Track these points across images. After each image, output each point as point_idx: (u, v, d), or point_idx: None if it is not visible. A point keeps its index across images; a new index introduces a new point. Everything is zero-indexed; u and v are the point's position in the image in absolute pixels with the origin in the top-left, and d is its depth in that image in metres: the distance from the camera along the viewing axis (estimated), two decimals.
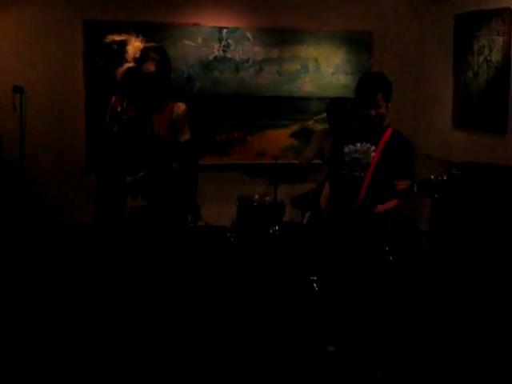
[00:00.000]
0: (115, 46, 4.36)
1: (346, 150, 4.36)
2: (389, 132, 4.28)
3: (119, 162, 4.34)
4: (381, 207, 4.12)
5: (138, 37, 4.38)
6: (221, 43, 6.83)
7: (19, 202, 6.04)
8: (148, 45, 4.39)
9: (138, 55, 4.32)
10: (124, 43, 4.34)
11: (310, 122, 7.13)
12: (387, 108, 4.24)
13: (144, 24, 6.34)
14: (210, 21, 6.79)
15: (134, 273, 4.53)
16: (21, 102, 5.84)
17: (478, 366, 4.19)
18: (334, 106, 5.88)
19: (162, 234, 4.47)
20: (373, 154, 4.22)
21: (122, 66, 4.29)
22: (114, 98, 4.58)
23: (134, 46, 4.33)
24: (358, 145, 4.32)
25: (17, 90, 5.86)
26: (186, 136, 4.51)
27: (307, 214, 5.21)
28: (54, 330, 4.59)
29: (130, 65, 4.26)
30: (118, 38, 4.37)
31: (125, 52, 4.39)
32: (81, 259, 5.68)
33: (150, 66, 4.32)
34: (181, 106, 4.53)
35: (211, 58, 6.85)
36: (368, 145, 4.28)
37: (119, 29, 4.50)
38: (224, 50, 6.86)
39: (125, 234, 4.44)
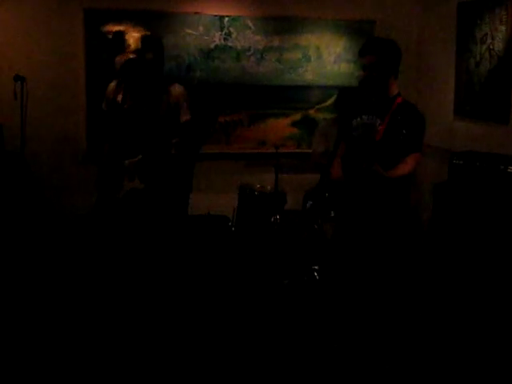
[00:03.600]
0: (111, 36, 4.36)
1: (354, 123, 4.24)
2: (397, 102, 4.11)
3: (118, 145, 4.37)
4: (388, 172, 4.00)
5: (135, 27, 4.40)
6: (222, 32, 6.80)
7: (20, 192, 6.03)
8: (146, 34, 4.40)
9: (139, 46, 4.32)
10: (122, 33, 4.36)
11: (312, 111, 7.12)
12: (385, 75, 4.08)
13: (145, 12, 6.32)
14: (211, 9, 6.76)
15: (133, 263, 4.54)
16: (22, 91, 5.80)
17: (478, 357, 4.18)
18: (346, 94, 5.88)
19: (159, 219, 4.47)
20: (379, 128, 4.07)
21: (122, 54, 4.30)
22: (111, 85, 4.59)
23: (134, 37, 4.34)
24: (365, 117, 4.18)
25: (18, 78, 5.82)
26: (187, 116, 4.55)
27: (309, 203, 5.21)
28: (53, 319, 4.58)
29: (131, 55, 4.26)
30: (115, 28, 4.39)
31: (125, 41, 4.41)
32: (81, 249, 5.68)
33: (149, 55, 4.33)
34: (178, 88, 4.57)
35: (212, 46, 6.82)
36: (374, 118, 4.13)
37: (120, 17, 4.49)
38: (225, 39, 6.83)
39: (121, 216, 4.45)
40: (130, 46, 4.40)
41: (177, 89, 4.59)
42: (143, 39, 4.43)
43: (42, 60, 6.47)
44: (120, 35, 4.53)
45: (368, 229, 4.20)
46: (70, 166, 6.63)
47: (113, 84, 4.72)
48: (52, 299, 4.92)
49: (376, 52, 4.10)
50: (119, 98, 4.39)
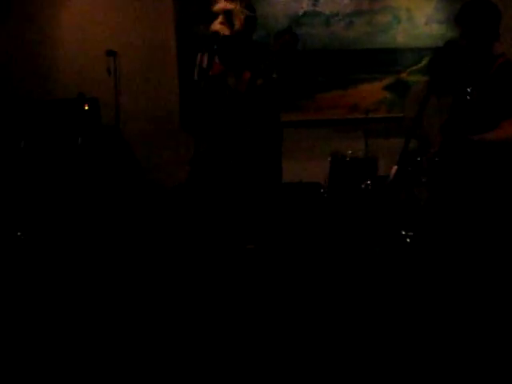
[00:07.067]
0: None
1: (469, 90, 4.05)
2: (497, 63, 3.90)
3: (212, 123, 4.42)
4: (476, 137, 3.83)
5: (242, 2, 4.39)
6: None
7: (117, 164, 6.20)
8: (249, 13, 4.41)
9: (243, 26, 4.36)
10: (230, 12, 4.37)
11: (404, 74, 6.99)
12: (485, 40, 3.90)
13: None
14: None
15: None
16: (114, 65, 5.95)
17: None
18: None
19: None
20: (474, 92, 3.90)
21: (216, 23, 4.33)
22: (200, 55, 4.63)
23: (245, 14, 4.35)
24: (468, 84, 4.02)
25: (110, 53, 5.97)
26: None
27: (394, 169, 5.13)
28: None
29: (226, 32, 4.30)
30: (228, 5, 4.39)
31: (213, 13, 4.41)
32: (176, 219, 5.79)
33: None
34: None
35: (301, 12, 6.79)
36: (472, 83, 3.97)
37: None
38: (313, 4, 6.77)
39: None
40: (235, 25, 4.39)
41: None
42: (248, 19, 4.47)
43: (133, 34, 6.60)
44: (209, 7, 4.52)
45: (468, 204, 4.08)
46: (164, 137, 6.73)
47: (202, 54, 4.76)
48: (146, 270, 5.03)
49: (471, 21, 3.93)
50: (204, 64, 4.46)
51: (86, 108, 6.05)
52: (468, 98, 3.93)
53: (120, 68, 5.95)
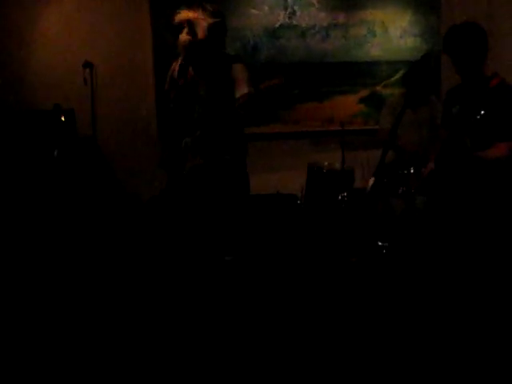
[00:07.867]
0: (177, 20, 4.38)
1: (454, 111, 4.20)
2: (493, 84, 3.99)
3: (178, 125, 4.42)
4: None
5: (205, 10, 4.38)
6: (286, 10, 6.79)
7: (93, 176, 6.18)
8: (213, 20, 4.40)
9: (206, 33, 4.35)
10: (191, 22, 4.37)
11: (379, 87, 7.05)
12: (479, 60, 3.98)
13: None
14: None
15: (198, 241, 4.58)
16: (91, 76, 5.96)
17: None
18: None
19: (220, 194, 4.50)
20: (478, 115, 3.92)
21: (182, 34, 4.35)
22: (173, 65, 4.64)
23: (208, 22, 4.34)
24: (462, 105, 4.12)
25: (87, 65, 5.97)
26: (244, 90, 4.44)
27: (371, 181, 5.15)
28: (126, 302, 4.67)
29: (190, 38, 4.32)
30: (190, 15, 4.38)
31: (191, 25, 4.41)
32: (153, 230, 5.78)
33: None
34: (236, 65, 4.53)
35: (277, 25, 6.82)
36: (471, 102, 4.04)
37: (185, 1, 4.52)
38: (289, 17, 6.81)
39: (186, 193, 4.49)
40: (199, 33, 4.39)
41: (235, 66, 4.56)
42: (213, 25, 4.44)
43: (110, 46, 6.57)
44: (185, 19, 4.52)
45: (463, 214, 4.12)
46: (141, 149, 6.73)
47: (174, 65, 4.77)
48: (120, 281, 5.03)
49: (458, 48, 4.00)
50: (176, 74, 4.47)
51: (63, 119, 6.03)
52: (478, 117, 3.93)
53: (97, 79, 5.94)
